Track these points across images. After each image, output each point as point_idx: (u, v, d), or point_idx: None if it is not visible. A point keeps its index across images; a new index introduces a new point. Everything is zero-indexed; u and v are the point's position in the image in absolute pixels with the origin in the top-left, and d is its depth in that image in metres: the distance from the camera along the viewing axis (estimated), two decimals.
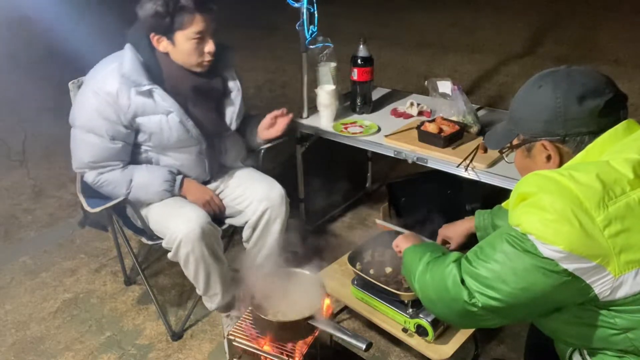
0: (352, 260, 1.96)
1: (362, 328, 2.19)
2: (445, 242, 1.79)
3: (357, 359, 1.85)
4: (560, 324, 1.14)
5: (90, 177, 1.93)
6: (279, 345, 1.61)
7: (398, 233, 2.01)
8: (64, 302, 2.44)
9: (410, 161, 2.13)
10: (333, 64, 2.45)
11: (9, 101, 4.82)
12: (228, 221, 2.17)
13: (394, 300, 1.83)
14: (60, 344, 2.20)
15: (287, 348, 1.60)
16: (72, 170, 2.01)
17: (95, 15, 6.41)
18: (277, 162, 3.22)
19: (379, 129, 2.32)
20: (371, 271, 1.91)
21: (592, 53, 5.37)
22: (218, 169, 2.15)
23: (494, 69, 5.19)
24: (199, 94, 1.93)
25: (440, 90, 2.48)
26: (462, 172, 1.98)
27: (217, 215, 2.10)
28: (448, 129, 2.10)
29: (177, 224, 1.87)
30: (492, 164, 1.95)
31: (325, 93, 2.37)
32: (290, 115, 2.13)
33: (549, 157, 1.16)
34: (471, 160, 1.96)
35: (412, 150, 2.11)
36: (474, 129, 2.21)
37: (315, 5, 2.18)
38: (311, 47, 2.29)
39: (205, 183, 2.13)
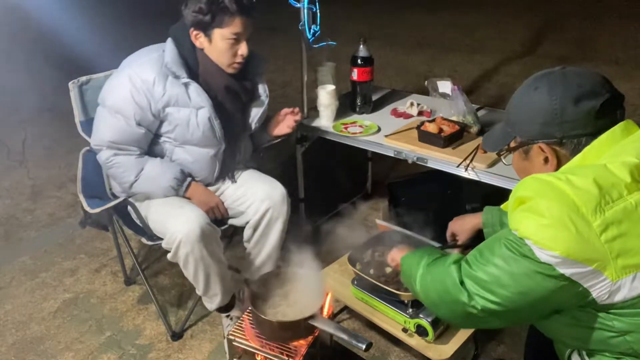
0: (352, 260, 1.96)
1: (362, 328, 2.19)
2: (454, 237, 1.78)
3: (357, 359, 1.85)
4: (559, 326, 1.14)
5: (104, 155, 1.95)
6: (279, 345, 1.61)
7: (398, 233, 2.02)
8: (64, 302, 2.44)
9: (410, 161, 2.13)
10: (333, 64, 2.45)
11: (9, 101, 4.82)
12: (229, 222, 2.17)
13: (394, 300, 1.83)
14: (60, 344, 2.20)
15: (287, 348, 1.60)
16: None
17: (95, 15, 6.41)
18: (277, 162, 3.22)
19: (379, 129, 2.32)
20: (371, 271, 1.91)
21: (592, 53, 5.37)
22: (222, 176, 2.16)
23: (494, 69, 5.19)
24: (229, 93, 2.00)
25: (440, 90, 2.48)
26: (462, 172, 1.98)
27: (219, 218, 2.11)
28: (448, 129, 2.10)
29: (177, 225, 1.87)
30: (492, 164, 1.95)
31: (325, 93, 2.37)
32: (300, 116, 2.23)
33: (546, 160, 1.16)
34: (471, 160, 1.96)
35: (412, 150, 2.11)
36: (474, 129, 2.21)
37: (317, 4, 2.18)
38: (315, 46, 2.29)
39: (208, 184, 2.13)
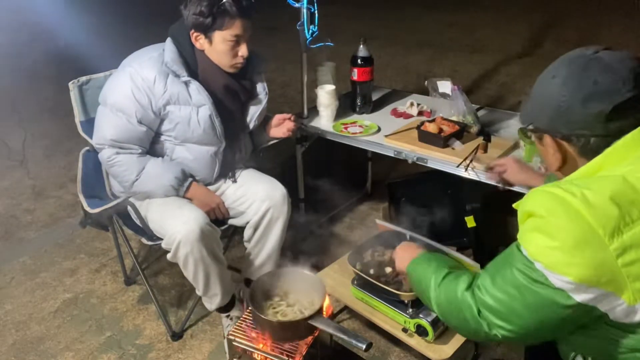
0: (352, 260, 1.96)
1: (362, 328, 2.19)
2: (506, 183, 1.76)
3: (357, 359, 1.85)
4: (568, 334, 1.12)
5: (106, 154, 1.96)
6: (279, 345, 1.61)
7: (398, 233, 2.01)
8: (64, 302, 2.44)
9: (410, 161, 2.13)
10: (333, 64, 2.45)
11: (9, 101, 4.82)
12: (229, 222, 2.17)
13: (394, 300, 1.83)
14: (60, 344, 2.20)
15: (287, 348, 1.60)
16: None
17: (96, 15, 6.41)
18: (277, 162, 3.22)
19: (379, 129, 2.32)
20: (371, 271, 1.91)
21: None
22: (222, 175, 2.16)
23: (494, 69, 5.19)
24: (228, 92, 2.02)
25: (440, 90, 2.48)
26: (462, 172, 1.97)
27: (220, 219, 2.11)
28: (448, 129, 2.10)
29: (176, 225, 1.87)
30: None
31: (325, 93, 2.37)
32: (293, 126, 2.20)
33: (554, 151, 1.12)
34: (471, 161, 1.96)
35: (412, 150, 2.11)
36: (474, 129, 2.21)
37: (315, 5, 2.18)
38: (312, 46, 2.29)
39: (207, 184, 2.13)
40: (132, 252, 2.20)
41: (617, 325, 1.01)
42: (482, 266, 1.88)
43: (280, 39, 5.41)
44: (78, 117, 2.12)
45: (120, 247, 2.43)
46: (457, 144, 2.08)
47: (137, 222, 2.08)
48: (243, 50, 1.93)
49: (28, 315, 2.36)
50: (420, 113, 2.44)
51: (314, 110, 2.49)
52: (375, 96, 2.63)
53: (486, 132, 2.20)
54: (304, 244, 2.64)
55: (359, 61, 2.41)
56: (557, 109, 1.06)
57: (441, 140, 2.06)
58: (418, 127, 2.15)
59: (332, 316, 1.85)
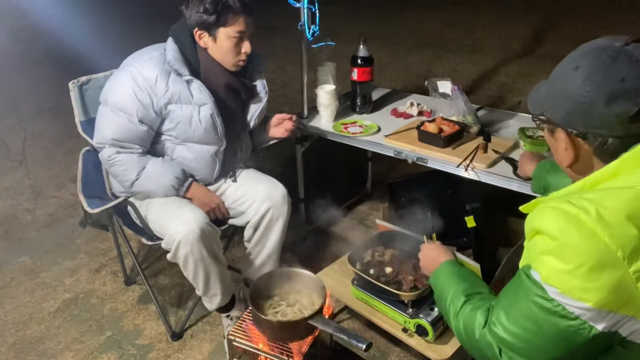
0: (352, 260, 1.96)
1: (362, 328, 2.19)
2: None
3: (357, 359, 1.85)
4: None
5: (106, 153, 1.96)
6: (279, 345, 1.61)
7: (398, 233, 2.01)
8: (64, 302, 2.44)
9: (410, 161, 2.13)
10: (333, 64, 2.45)
11: (9, 101, 4.82)
12: (229, 221, 2.17)
13: (394, 300, 1.83)
14: (60, 344, 2.20)
15: (287, 348, 1.60)
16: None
17: (96, 15, 6.41)
18: (277, 162, 3.22)
19: (379, 129, 2.32)
20: (371, 271, 1.91)
21: None
22: (223, 175, 2.16)
23: (494, 69, 5.19)
24: (230, 90, 2.03)
25: (440, 90, 2.48)
26: (462, 172, 1.97)
27: (220, 219, 2.11)
28: (448, 129, 2.10)
29: (176, 225, 1.87)
30: (492, 164, 1.95)
31: (325, 93, 2.37)
32: (292, 125, 2.20)
33: (566, 147, 1.04)
34: (471, 160, 1.96)
35: (412, 150, 2.11)
36: (474, 129, 2.21)
37: (316, 5, 2.18)
38: (313, 46, 2.29)
39: (208, 184, 2.13)
40: (132, 252, 2.20)
41: (635, 347, 0.97)
42: (482, 266, 1.89)
43: (280, 39, 5.41)
44: (78, 117, 2.12)
45: (120, 247, 2.43)
46: None
47: (137, 222, 2.08)
48: (246, 47, 1.95)
49: (28, 315, 2.36)
50: (420, 113, 2.44)
51: (314, 110, 2.49)
52: (375, 96, 2.63)
53: (486, 132, 2.20)
54: (304, 244, 2.64)
55: (359, 61, 2.41)
56: (576, 104, 0.98)
57: (441, 140, 2.06)
58: (418, 127, 2.15)
59: (332, 316, 1.85)
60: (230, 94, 2.03)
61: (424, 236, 1.76)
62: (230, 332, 1.67)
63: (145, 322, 2.29)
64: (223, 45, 1.93)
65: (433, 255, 1.48)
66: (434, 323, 1.72)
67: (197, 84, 1.94)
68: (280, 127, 2.21)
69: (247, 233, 2.15)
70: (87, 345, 2.18)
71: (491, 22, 6.83)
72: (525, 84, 4.63)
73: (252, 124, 2.13)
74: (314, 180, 2.60)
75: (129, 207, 2.05)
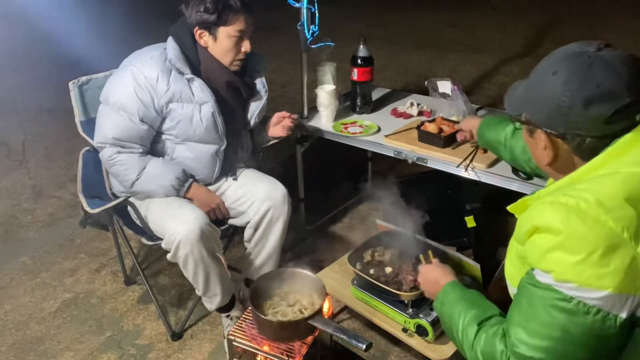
0: (352, 260, 1.96)
1: (362, 328, 2.19)
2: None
3: (357, 359, 1.85)
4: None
5: (107, 152, 1.96)
6: (279, 345, 1.61)
7: (398, 233, 2.01)
8: (64, 302, 2.44)
9: (410, 161, 2.13)
10: (333, 64, 2.45)
11: (9, 101, 4.82)
12: (229, 222, 2.17)
13: (394, 300, 1.83)
14: (60, 344, 2.20)
15: (287, 348, 1.60)
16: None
17: (96, 15, 6.41)
18: (277, 162, 3.22)
19: (379, 129, 2.32)
20: (371, 271, 1.91)
21: None
22: (223, 175, 2.16)
23: (494, 69, 5.19)
24: (230, 88, 2.03)
25: (440, 90, 2.48)
26: (462, 172, 1.97)
27: (220, 219, 2.11)
28: (448, 129, 2.10)
29: (176, 225, 1.87)
30: (492, 164, 1.95)
31: (325, 93, 2.37)
32: (290, 122, 2.19)
33: (545, 147, 1.09)
34: (471, 160, 1.96)
35: (412, 150, 2.11)
36: None
37: (316, 5, 2.18)
38: (312, 46, 2.29)
39: (208, 184, 2.13)
40: (132, 252, 2.20)
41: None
42: (483, 266, 1.89)
43: (280, 39, 5.40)
44: (78, 117, 2.12)
45: (120, 247, 2.43)
46: None
47: (137, 222, 2.08)
48: (246, 46, 1.96)
49: (28, 315, 2.36)
50: (420, 113, 2.44)
51: (314, 110, 2.49)
52: (375, 96, 2.62)
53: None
54: (304, 244, 2.64)
55: (359, 61, 2.41)
56: (556, 107, 1.03)
57: (441, 141, 2.06)
58: (418, 127, 2.15)
59: (332, 316, 1.85)
60: (231, 92, 2.04)
61: (420, 255, 1.73)
62: (230, 332, 1.67)
63: (145, 322, 2.29)
64: (223, 44, 1.93)
65: (433, 278, 1.45)
66: (434, 323, 1.72)
67: (198, 83, 1.94)
68: (279, 125, 2.21)
69: (247, 233, 2.15)
70: (87, 345, 2.18)
71: (491, 22, 6.83)
72: None
73: (252, 123, 2.13)
74: (314, 180, 2.60)
75: (129, 207, 2.05)
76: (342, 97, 2.54)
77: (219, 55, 1.96)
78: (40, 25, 5.92)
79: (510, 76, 4.94)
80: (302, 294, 1.72)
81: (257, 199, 2.08)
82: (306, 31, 2.23)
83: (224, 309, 2.11)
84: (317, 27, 2.23)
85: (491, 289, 1.89)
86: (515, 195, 1.78)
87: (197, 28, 1.92)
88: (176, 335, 2.20)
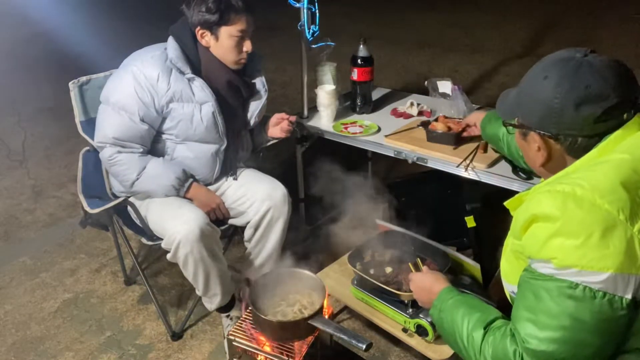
0: (352, 260, 1.96)
1: (362, 328, 2.19)
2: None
3: (357, 359, 1.85)
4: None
5: (107, 152, 1.96)
6: (279, 345, 1.61)
7: (398, 233, 2.01)
8: (64, 302, 2.44)
9: (410, 161, 2.13)
10: (333, 64, 2.45)
11: (9, 101, 4.82)
12: (229, 221, 2.17)
13: (394, 300, 1.83)
14: (60, 344, 2.20)
15: (287, 348, 1.60)
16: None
17: (96, 15, 6.41)
18: (277, 162, 3.22)
19: (379, 129, 2.32)
20: (371, 271, 1.91)
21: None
22: (223, 175, 2.16)
23: (494, 69, 5.19)
24: (231, 88, 2.04)
25: (440, 90, 2.48)
26: (462, 172, 1.97)
27: (220, 219, 2.11)
28: (455, 127, 2.08)
29: (176, 225, 1.87)
30: (492, 164, 1.95)
31: (325, 93, 2.36)
32: (288, 125, 2.18)
33: (539, 148, 1.14)
34: (471, 161, 1.96)
35: (412, 150, 2.11)
36: None
37: (316, 4, 2.18)
38: (312, 46, 2.29)
39: (208, 184, 2.13)
40: (132, 252, 2.20)
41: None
42: (483, 266, 1.89)
43: (280, 39, 5.41)
44: (78, 117, 2.12)
45: (120, 247, 2.43)
46: None
47: (137, 222, 2.08)
48: (247, 46, 1.96)
49: (28, 315, 2.36)
50: (420, 113, 2.44)
51: (314, 110, 2.49)
52: (375, 96, 2.62)
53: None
54: (304, 244, 2.64)
55: (359, 61, 2.41)
56: (549, 109, 1.08)
57: (453, 138, 2.02)
58: (426, 128, 2.10)
59: (332, 316, 1.85)
60: (231, 91, 2.04)
61: (409, 264, 1.71)
62: (230, 332, 1.67)
63: (145, 322, 2.29)
64: (225, 44, 1.93)
65: (426, 286, 1.43)
66: (433, 323, 1.72)
67: (199, 82, 1.95)
68: (278, 127, 2.21)
69: (247, 233, 2.15)
70: (87, 345, 2.18)
71: (491, 22, 6.83)
72: None
73: (252, 122, 2.14)
74: (314, 181, 2.60)
75: (129, 207, 2.05)
76: (342, 97, 2.54)
77: (221, 55, 1.96)
78: (41, 25, 5.92)
79: (510, 76, 4.94)
80: (302, 294, 1.72)
81: (257, 199, 2.09)
82: (306, 31, 2.23)
83: (224, 309, 2.11)
84: (317, 27, 2.23)
85: (491, 289, 1.90)
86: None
87: (198, 28, 1.92)
88: (176, 335, 2.20)
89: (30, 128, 4.31)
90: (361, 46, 2.40)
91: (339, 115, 2.45)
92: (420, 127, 2.16)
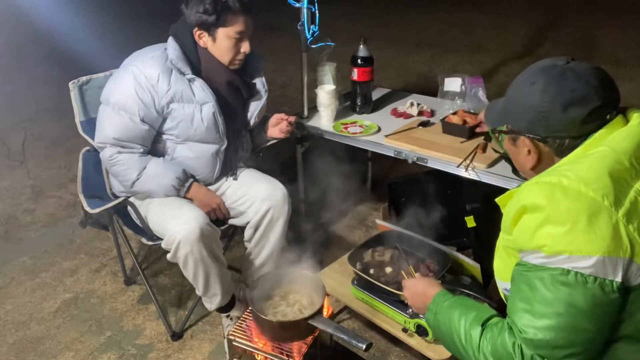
0: (352, 260, 1.96)
1: (362, 328, 2.19)
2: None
3: (357, 359, 1.85)
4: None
5: (108, 152, 1.96)
6: (279, 345, 1.61)
7: (398, 233, 2.02)
8: (64, 302, 2.44)
9: (410, 161, 2.13)
10: (333, 64, 2.45)
11: (9, 101, 4.82)
12: (229, 221, 2.17)
13: (394, 300, 1.83)
14: (60, 344, 2.20)
15: (287, 348, 1.60)
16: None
17: (96, 15, 6.41)
18: (277, 162, 3.22)
19: (379, 129, 2.32)
20: (371, 271, 1.91)
21: (592, 53, 5.37)
22: (223, 175, 2.17)
23: (494, 69, 5.19)
24: (231, 88, 2.04)
25: (447, 88, 2.49)
26: (462, 172, 1.97)
27: (220, 219, 2.11)
28: (471, 121, 2.11)
29: (176, 225, 1.87)
30: (492, 164, 1.95)
31: (325, 93, 2.36)
32: (287, 126, 2.18)
33: (529, 152, 1.19)
34: (471, 161, 1.96)
35: (412, 150, 2.11)
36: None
37: (316, 4, 2.18)
38: (313, 46, 2.29)
39: (208, 184, 2.13)
40: (132, 252, 2.20)
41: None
42: (482, 266, 1.89)
43: (280, 39, 5.41)
44: (78, 117, 2.12)
45: (120, 247, 2.43)
46: None
47: (137, 222, 2.08)
48: (245, 47, 1.96)
49: (28, 315, 2.36)
50: (420, 113, 2.44)
51: (314, 110, 2.49)
52: (375, 96, 2.62)
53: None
54: (304, 244, 2.64)
55: (359, 61, 2.41)
56: (537, 113, 1.14)
57: (466, 131, 2.07)
58: (442, 120, 2.17)
59: (332, 316, 1.85)
60: (231, 91, 2.04)
61: (402, 272, 1.73)
62: (230, 332, 1.67)
63: (145, 322, 2.29)
64: (222, 45, 1.93)
65: (420, 290, 1.44)
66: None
67: (199, 83, 1.95)
68: (277, 127, 2.21)
69: (247, 233, 2.15)
70: (87, 345, 2.18)
71: (491, 22, 6.84)
72: None
73: (252, 122, 2.14)
74: (314, 181, 2.60)
75: (129, 207, 2.05)
76: (342, 97, 2.54)
77: (218, 55, 1.96)
78: (41, 25, 5.92)
79: (510, 76, 4.91)
80: (302, 294, 1.72)
81: (257, 199, 2.09)
82: (306, 31, 2.23)
83: (224, 309, 2.11)
84: (317, 27, 2.22)
85: (491, 288, 1.89)
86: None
87: (196, 29, 1.92)
88: (176, 335, 2.20)
89: (30, 128, 4.31)
90: (361, 46, 2.40)
91: (339, 115, 2.45)
92: (420, 127, 2.17)
